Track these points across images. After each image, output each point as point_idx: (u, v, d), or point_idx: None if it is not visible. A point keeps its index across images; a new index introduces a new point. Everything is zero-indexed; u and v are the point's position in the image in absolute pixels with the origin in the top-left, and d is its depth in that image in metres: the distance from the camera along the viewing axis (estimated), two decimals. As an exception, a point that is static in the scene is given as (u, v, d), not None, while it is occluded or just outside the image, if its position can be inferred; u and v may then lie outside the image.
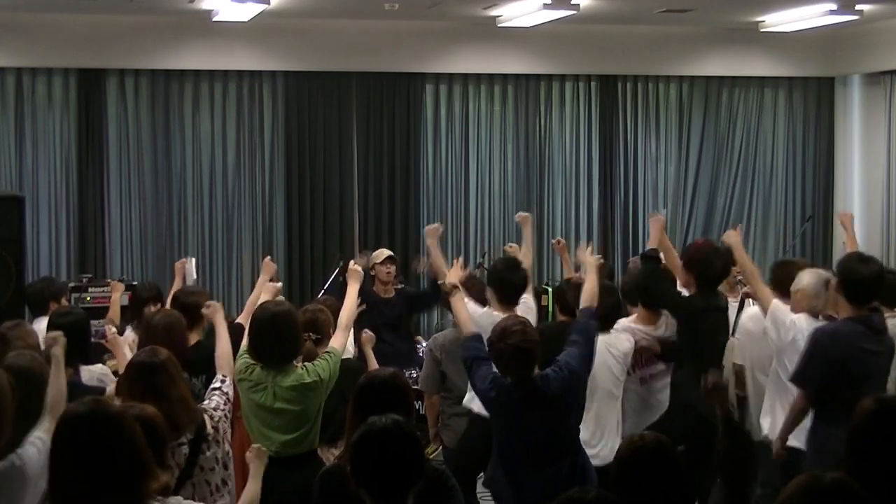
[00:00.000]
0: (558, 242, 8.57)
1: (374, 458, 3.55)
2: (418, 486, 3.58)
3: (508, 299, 6.61)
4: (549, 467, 5.28)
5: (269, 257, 7.21)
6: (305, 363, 5.49)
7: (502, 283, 6.67)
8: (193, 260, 8.90)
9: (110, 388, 6.16)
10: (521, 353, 5.14)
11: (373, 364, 6.41)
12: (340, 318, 5.79)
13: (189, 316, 6.16)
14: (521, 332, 5.16)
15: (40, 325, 7.20)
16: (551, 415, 5.24)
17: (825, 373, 5.74)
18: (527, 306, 6.80)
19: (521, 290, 6.75)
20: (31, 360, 4.85)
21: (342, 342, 5.66)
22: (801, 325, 6.04)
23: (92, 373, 6.22)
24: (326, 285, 9.92)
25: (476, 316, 6.26)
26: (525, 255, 7.38)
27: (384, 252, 8.84)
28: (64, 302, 7.75)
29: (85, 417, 3.20)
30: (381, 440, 3.56)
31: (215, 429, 4.74)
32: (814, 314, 6.14)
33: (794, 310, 6.19)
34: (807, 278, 6.22)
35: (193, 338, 6.24)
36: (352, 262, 6.42)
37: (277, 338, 5.36)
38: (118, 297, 8.22)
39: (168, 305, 6.75)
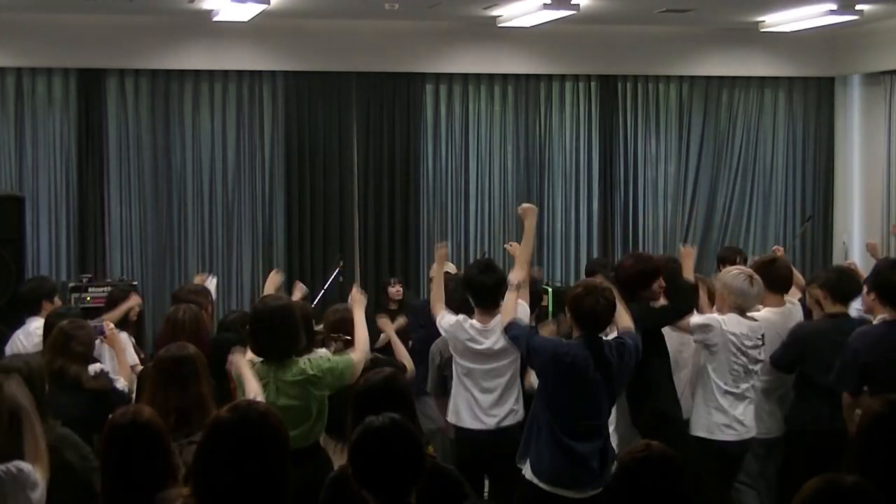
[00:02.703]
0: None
1: (373, 457, 3.54)
2: (429, 488, 3.57)
3: (485, 303, 6.39)
4: (593, 440, 5.55)
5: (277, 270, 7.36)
6: (309, 357, 5.51)
7: (475, 286, 6.42)
8: (215, 280, 8.65)
9: (121, 382, 6.21)
10: (607, 310, 5.51)
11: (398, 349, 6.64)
12: (358, 341, 5.76)
13: None
14: (606, 291, 5.54)
15: (33, 324, 7.22)
16: (606, 381, 5.55)
17: None
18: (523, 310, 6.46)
19: (498, 291, 6.40)
20: (24, 363, 4.88)
21: (360, 358, 5.66)
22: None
23: (91, 370, 6.22)
24: (326, 285, 9.93)
25: (448, 325, 6.43)
26: (523, 251, 6.63)
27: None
28: (57, 301, 7.72)
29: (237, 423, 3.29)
30: (379, 439, 3.55)
31: None
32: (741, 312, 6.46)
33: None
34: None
35: None
36: (355, 289, 6.19)
37: (277, 332, 5.40)
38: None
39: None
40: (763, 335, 6.52)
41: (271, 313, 5.43)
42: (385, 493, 3.52)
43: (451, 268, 8.30)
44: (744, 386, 6.40)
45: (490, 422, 6.46)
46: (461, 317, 6.53)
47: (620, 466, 3.56)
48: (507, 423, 6.47)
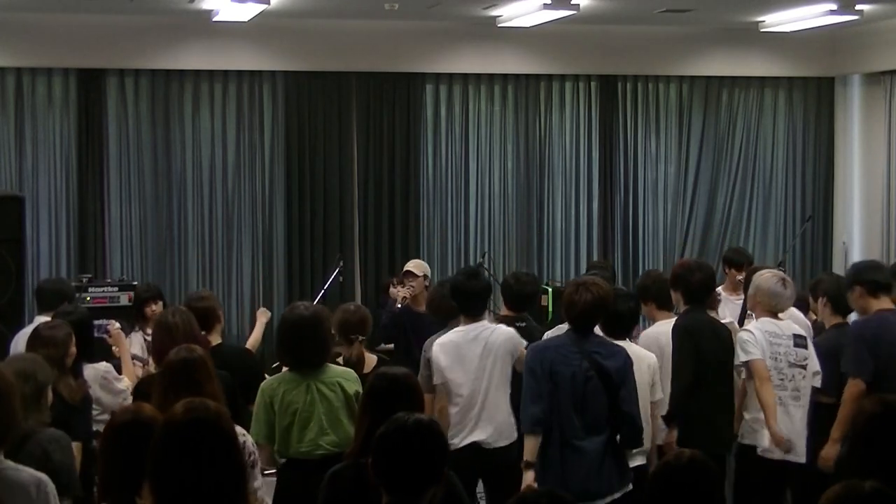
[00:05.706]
0: None
1: (397, 454, 3.54)
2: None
3: (472, 310, 6.36)
4: (595, 437, 5.50)
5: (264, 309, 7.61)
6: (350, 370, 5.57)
7: (463, 293, 6.39)
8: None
9: (125, 382, 6.23)
10: (598, 304, 5.51)
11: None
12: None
13: (204, 321, 6.21)
14: (599, 286, 5.57)
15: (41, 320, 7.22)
16: (603, 382, 5.52)
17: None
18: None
19: (485, 298, 6.47)
20: (31, 361, 4.89)
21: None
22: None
23: (97, 370, 6.25)
24: (326, 286, 9.94)
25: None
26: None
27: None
28: None
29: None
30: (407, 437, 3.55)
31: None
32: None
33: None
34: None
35: (214, 339, 6.31)
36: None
37: (314, 339, 5.41)
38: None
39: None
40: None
41: (304, 321, 5.45)
42: (401, 490, 3.51)
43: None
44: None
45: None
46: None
47: (654, 474, 3.50)
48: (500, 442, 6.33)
